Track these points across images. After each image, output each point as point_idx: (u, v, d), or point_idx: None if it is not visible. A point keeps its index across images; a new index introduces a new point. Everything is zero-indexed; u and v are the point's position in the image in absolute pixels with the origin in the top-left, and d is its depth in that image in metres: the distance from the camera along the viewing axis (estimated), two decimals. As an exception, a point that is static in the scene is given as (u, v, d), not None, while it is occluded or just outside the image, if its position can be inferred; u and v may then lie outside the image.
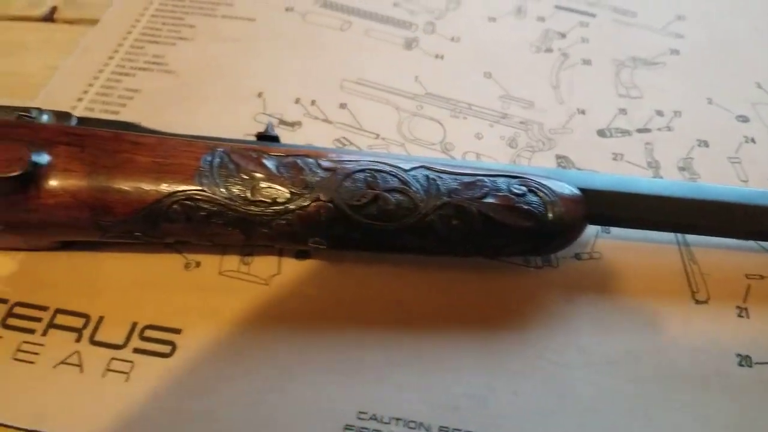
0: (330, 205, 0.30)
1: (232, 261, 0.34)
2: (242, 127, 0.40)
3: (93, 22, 0.49)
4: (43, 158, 0.30)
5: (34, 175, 0.30)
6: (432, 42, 0.45)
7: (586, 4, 0.48)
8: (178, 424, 0.29)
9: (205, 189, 0.30)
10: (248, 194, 0.30)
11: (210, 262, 0.34)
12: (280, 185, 0.30)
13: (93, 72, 0.44)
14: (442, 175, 0.31)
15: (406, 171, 0.31)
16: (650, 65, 0.44)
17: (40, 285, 0.33)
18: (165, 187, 0.30)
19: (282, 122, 0.40)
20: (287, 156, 0.31)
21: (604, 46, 0.45)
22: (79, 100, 0.42)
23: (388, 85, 0.42)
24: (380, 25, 0.46)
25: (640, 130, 0.40)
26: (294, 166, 0.31)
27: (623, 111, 0.41)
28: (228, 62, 0.44)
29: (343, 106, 0.41)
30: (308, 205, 0.30)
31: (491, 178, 0.31)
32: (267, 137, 0.34)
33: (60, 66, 0.44)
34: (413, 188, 0.30)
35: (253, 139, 0.36)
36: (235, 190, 0.30)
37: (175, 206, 0.30)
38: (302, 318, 0.32)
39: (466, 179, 0.31)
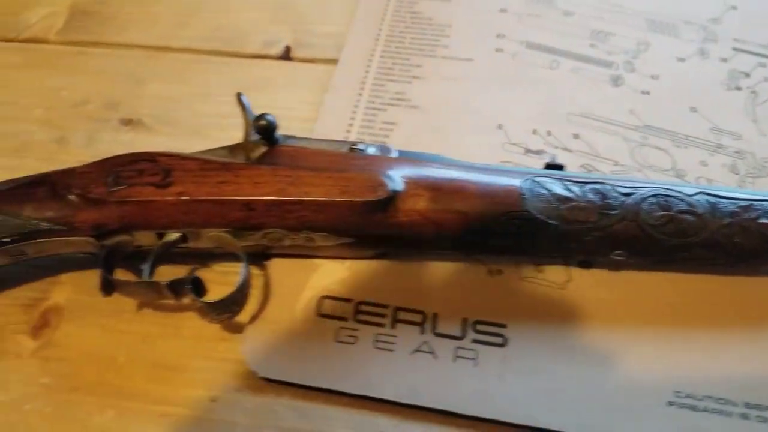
0: (634, 224, 0.37)
1: (527, 269, 0.41)
2: (495, 155, 0.47)
3: (327, 61, 0.56)
4: (399, 185, 0.37)
5: (393, 198, 0.37)
6: (635, 79, 0.52)
7: (759, 46, 0.55)
8: (526, 398, 0.35)
9: (529, 210, 0.37)
10: (564, 215, 0.37)
11: (509, 269, 0.41)
12: (590, 208, 0.37)
13: (350, 107, 0.51)
14: (721, 200, 0.38)
15: (689, 195, 0.38)
16: (828, 103, 0.51)
17: (373, 287, 0.40)
18: (496, 209, 0.37)
19: (528, 151, 0.47)
20: (588, 182, 0.39)
21: (785, 85, 0.52)
22: (348, 132, 0.49)
23: (609, 118, 0.50)
24: (585, 64, 0.54)
25: (835, 160, 0.47)
26: (598, 191, 0.38)
27: (817, 143, 0.48)
28: (461, 97, 0.51)
29: (576, 136, 0.48)
30: (614, 224, 0.37)
31: (760, 202, 0.38)
32: (554, 166, 0.41)
33: (320, 102, 0.52)
34: (700, 210, 0.37)
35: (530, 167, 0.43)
36: (553, 211, 0.37)
37: (504, 225, 0.37)
38: (601, 316, 0.39)
39: (741, 203, 0.38)
